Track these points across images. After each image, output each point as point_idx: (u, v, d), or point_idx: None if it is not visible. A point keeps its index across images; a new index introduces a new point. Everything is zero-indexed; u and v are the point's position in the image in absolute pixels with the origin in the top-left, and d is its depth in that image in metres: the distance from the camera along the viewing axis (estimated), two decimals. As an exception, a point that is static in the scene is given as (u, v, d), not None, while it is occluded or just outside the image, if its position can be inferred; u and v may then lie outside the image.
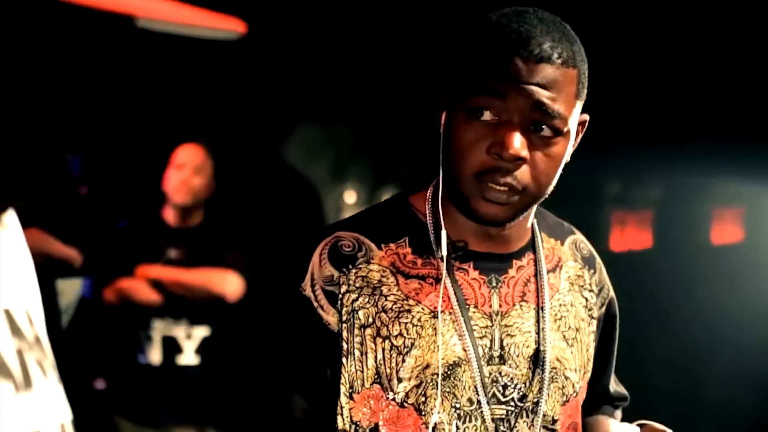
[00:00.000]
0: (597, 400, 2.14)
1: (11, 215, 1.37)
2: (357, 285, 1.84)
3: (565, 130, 1.77)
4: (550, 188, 1.83)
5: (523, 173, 1.76)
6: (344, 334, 1.82)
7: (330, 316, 1.83)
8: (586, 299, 2.01)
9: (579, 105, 1.81)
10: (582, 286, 2.01)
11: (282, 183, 6.24)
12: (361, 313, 1.83)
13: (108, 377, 4.86)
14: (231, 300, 4.76)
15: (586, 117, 1.88)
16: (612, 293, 2.08)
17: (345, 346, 1.82)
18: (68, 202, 4.08)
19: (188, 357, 4.74)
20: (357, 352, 1.82)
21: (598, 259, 2.08)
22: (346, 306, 1.83)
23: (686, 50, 5.68)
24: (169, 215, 4.92)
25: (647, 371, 6.23)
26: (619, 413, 2.22)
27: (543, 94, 1.72)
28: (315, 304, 1.83)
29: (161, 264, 4.78)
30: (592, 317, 2.02)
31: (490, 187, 1.76)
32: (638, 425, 1.97)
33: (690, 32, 5.49)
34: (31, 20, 1.13)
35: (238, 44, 5.86)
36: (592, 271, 2.04)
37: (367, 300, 1.83)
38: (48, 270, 4.09)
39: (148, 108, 6.07)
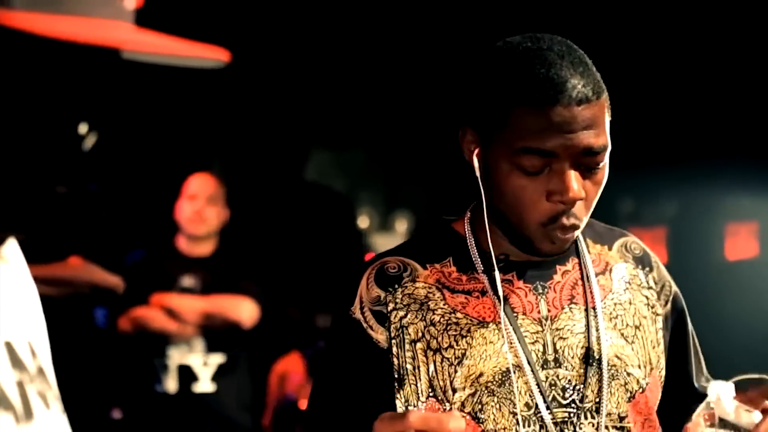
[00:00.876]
0: (684, 400, 2.09)
1: (12, 247, 1.39)
2: (404, 303, 1.89)
3: (607, 154, 1.82)
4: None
5: (580, 208, 1.81)
6: (394, 350, 1.88)
7: (379, 335, 1.89)
8: (647, 297, 2.02)
9: (608, 121, 1.86)
10: (640, 285, 2.02)
11: (295, 208, 6.28)
12: (410, 329, 1.88)
13: (124, 406, 4.89)
14: (246, 326, 4.78)
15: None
16: (675, 288, 2.08)
17: (396, 361, 1.88)
18: (98, 229, 4.11)
19: (204, 384, 4.75)
20: (409, 367, 1.87)
21: (654, 257, 2.10)
22: (395, 323, 1.88)
23: (700, 69, 5.70)
24: (183, 244, 4.94)
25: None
26: None
27: (589, 136, 1.77)
28: (365, 325, 1.90)
29: (176, 292, 4.81)
30: (656, 314, 2.02)
31: (557, 232, 1.82)
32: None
33: (705, 53, 5.52)
34: (28, 59, 1.17)
35: (251, 72, 5.91)
36: (647, 269, 2.05)
37: (415, 316, 1.89)
38: (91, 299, 4.13)
39: (160, 137, 6.11)
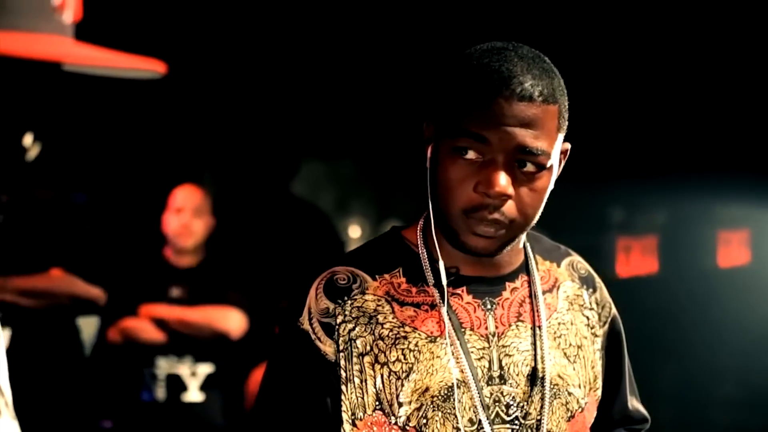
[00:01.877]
0: (613, 423, 2.15)
1: None
2: (353, 315, 1.88)
3: (549, 164, 1.82)
4: (536, 218, 1.88)
5: (510, 208, 1.81)
6: (342, 362, 1.87)
7: (327, 347, 1.87)
8: (588, 318, 2.04)
9: (561, 137, 1.85)
10: (582, 305, 2.04)
11: (284, 218, 6.28)
12: (358, 341, 1.87)
13: (114, 416, 4.89)
14: (234, 337, 4.78)
15: (568, 146, 1.92)
16: (614, 311, 2.10)
17: (344, 374, 1.87)
18: (81, 239, 4.13)
19: (193, 394, 4.76)
20: (357, 380, 1.87)
21: (597, 279, 2.11)
22: (343, 336, 1.87)
23: (688, 77, 5.71)
24: (170, 255, 4.96)
25: (655, 395, 6.22)
26: None
27: (526, 135, 1.77)
28: (312, 336, 1.88)
29: (164, 303, 4.82)
30: (596, 335, 2.04)
31: (477, 223, 1.81)
32: None
33: (697, 61, 5.53)
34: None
35: (241, 81, 5.92)
36: (591, 290, 2.07)
37: (363, 329, 1.88)
38: (72, 310, 4.15)
39: (146, 147, 6.12)
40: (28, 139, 1.26)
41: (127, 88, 5.49)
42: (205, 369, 4.78)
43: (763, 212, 6.49)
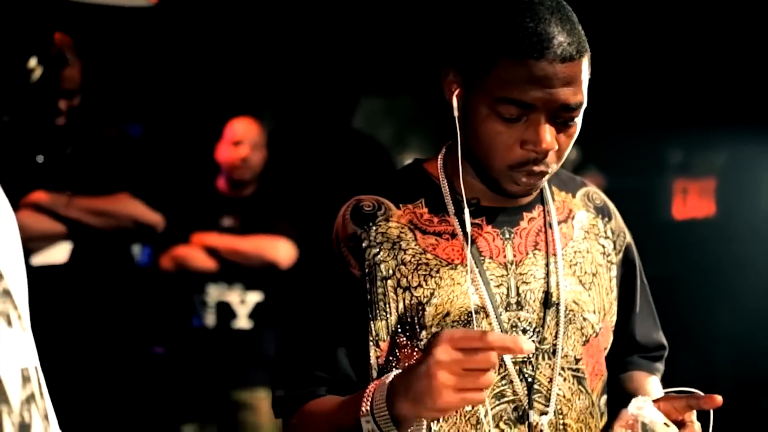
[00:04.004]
0: (624, 349, 2.21)
1: None
2: (378, 240, 1.96)
3: (582, 109, 1.89)
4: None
5: (552, 157, 1.89)
6: (367, 285, 1.94)
7: (354, 270, 1.95)
8: (603, 246, 2.11)
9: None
10: (597, 234, 2.12)
11: (343, 151, 6.30)
12: (382, 266, 1.94)
13: (166, 342, 4.99)
14: (283, 267, 4.85)
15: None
16: (629, 239, 2.18)
17: (368, 296, 1.94)
18: (142, 168, 4.22)
19: (242, 322, 4.85)
20: (381, 303, 1.94)
21: (612, 207, 2.19)
22: (368, 260, 1.95)
23: (745, 24, 5.64)
24: (223, 185, 5.03)
25: (710, 338, 6.20)
26: (659, 366, 2.28)
27: (568, 93, 1.83)
28: (342, 259, 1.96)
29: (216, 232, 4.90)
30: (611, 263, 2.12)
31: (523, 175, 1.89)
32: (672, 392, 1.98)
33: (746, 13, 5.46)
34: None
35: (298, 18, 5.94)
36: (606, 219, 2.15)
37: (387, 254, 1.95)
38: (133, 235, 4.25)
39: (199, 78, 6.16)
40: (32, 62, 1.28)
41: (189, 20, 5.55)
42: (255, 297, 4.86)
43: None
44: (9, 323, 1.35)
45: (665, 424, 1.85)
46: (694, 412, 1.90)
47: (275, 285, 4.89)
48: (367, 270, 1.94)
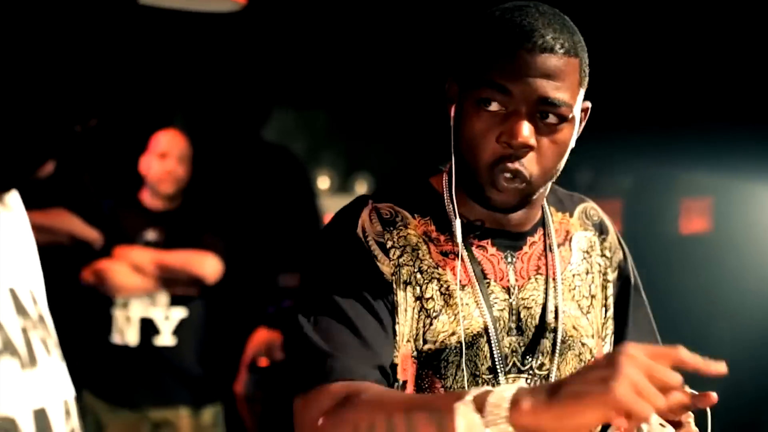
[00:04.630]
0: None
1: (14, 196, 1.39)
2: (400, 243, 1.92)
3: (570, 116, 1.85)
4: (557, 174, 1.92)
5: (531, 160, 1.84)
6: (393, 286, 1.89)
7: (384, 266, 1.89)
8: (599, 264, 2.09)
9: (582, 92, 1.89)
10: (595, 253, 2.09)
11: (257, 164, 6.25)
12: (404, 270, 1.90)
13: (84, 358, 4.85)
14: (209, 282, 4.77)
15: (589, 104, 1.97)
16: (622, 256, 2.14)
17: (395, 298, 1.88)
18: (80, 183, 4.11)
19: (165, 338, 4.75)
20: (401, 307, 1.89)
21: (609, 224, 2.16)
22: (393, 260, 1.90)
23: (662, 42, 5.73)
24: (147, 198, 4.92)
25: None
26: None
27: (548, 86, 1.80)
28: (370, 252, 1.90)
29: (139, 246, 4.79)
30: (607, 281, 2.09)
31: (500, 176, 1.85)
32: None
33: (665, 21, 5.55)
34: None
35: (213, 28, 5.86)
36: (603, 236, 2.12)
37: (408, 258, 1.91)
38: (71, 251, 4.12)
39: (124, 89, 6.05)
40: None
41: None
42: (179, 313, 4.77)
43: (727, 182, 6.54)
44: (48, 351, 1.30)
45: (661, 424, 1.83)
46: (690, 412, 1.86)
47: (201, 301, 4.80)
48: (393, 270, 1.89)
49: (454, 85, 1.93)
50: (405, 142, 6.63)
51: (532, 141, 1.82)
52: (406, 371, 1.89)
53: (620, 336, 2.15)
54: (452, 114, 1.93)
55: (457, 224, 1.94)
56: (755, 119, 5.69)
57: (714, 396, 1.73)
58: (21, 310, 1.28)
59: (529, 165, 1.84)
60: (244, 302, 5.57)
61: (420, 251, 1.92)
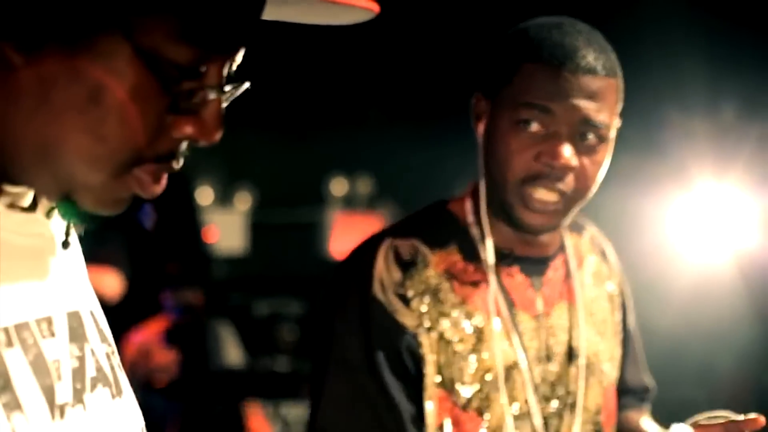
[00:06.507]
0: (618, 392, 2.13)
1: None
2: (420, 289, 1.86)
3: (609, 137, 1.83)
4: (592, 194, 1.88)
5: (570, 181, 1.82)
6: (418, 337, 1.83)
7: (407, 319, 1.84)
8: (607, 289, 2.08)
9: (618, 111, 1.87)
10: (604, 278, 2.08)
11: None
12: (426, 317, 1.85)
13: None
14: (108, 300, 4.57)
15: (618, 122, 1.93)
16: (621, 279, 2.14)
17: (420, 350, 1.84)
18: None
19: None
20: (428, 356, 1.84)
21: (610, 248, 2.15)
22: (415, 310, 1.84)
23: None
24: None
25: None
26: (647, 406, 2.25)
27: (590, 107, 1.78)
28: (389, 308, 1.84)
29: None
30: (614, 306, 2.09)
31: (534, 195, 1.81)
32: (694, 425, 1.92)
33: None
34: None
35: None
36: (607, 262, 2.11)
37: (429, 304, 1.85)
38: None
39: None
40: None
41: None
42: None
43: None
44: (120, 393, 1.17)
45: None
46: None
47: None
48: (418, 322, 1.84)
49: (484, 102, 1.89)
50: (287, 155, 6.54)
51: (574, 162, 1.80)
52: (444, 414, 1.85)
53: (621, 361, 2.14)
54: (480, 131, 1.89)
55: (489, 245, 1.89)
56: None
57: (762, 419, 1.73)
58: (102, 334, 1.16)
59: (566, 185, 1.82)
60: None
61: (440, 293, 1.87)
